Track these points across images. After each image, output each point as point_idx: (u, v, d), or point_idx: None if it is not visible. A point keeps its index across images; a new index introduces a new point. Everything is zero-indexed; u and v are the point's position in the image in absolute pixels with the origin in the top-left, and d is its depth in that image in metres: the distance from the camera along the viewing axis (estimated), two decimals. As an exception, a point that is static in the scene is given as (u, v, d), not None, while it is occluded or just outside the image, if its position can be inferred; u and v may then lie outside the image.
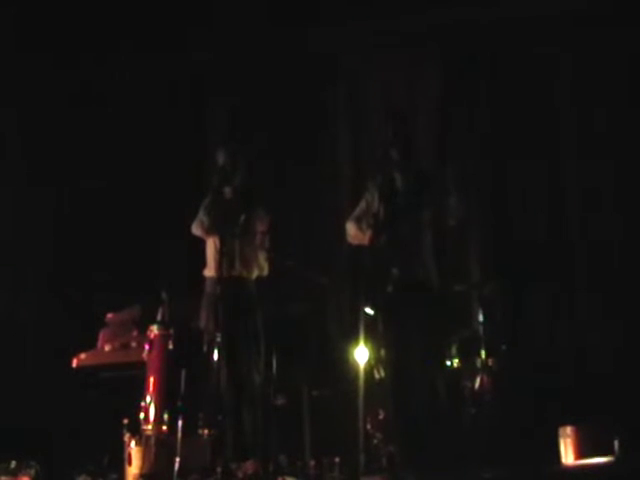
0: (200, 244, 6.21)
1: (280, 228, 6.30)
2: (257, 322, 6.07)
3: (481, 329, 6.21)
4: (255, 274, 6.16)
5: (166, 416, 5.55)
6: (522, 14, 7.47)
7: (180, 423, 5.43)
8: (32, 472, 6.01)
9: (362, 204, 6.02)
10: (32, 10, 7.54)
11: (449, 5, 7.53)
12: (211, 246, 6.09)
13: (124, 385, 6.28)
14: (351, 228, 5.99)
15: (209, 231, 6.01)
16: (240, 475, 5.54)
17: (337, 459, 5.83)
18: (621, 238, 7.19)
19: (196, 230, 6.13)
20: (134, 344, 6.50)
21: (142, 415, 5.64)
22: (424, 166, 6.16)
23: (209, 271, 6.13)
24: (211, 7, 7.69)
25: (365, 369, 5.41)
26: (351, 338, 5.64)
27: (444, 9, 7.54)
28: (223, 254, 5.81)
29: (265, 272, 6.19)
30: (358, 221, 5.94)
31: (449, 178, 6.02)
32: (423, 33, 7.68)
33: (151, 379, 5.69)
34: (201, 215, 6.06)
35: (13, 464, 6.07)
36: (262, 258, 6.17)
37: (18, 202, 7.77)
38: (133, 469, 5.66)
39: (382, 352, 5.70)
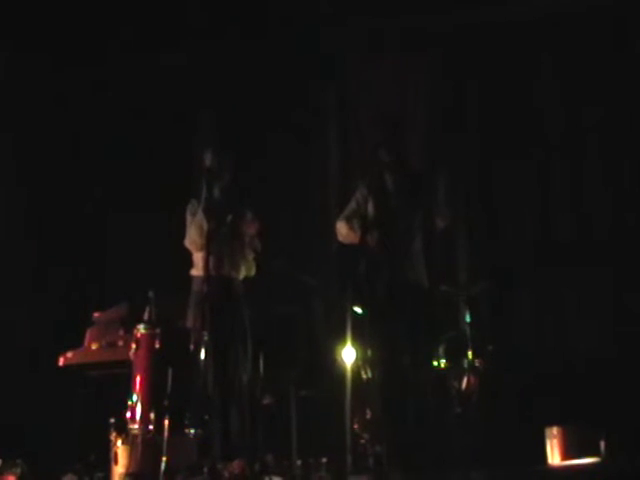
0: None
1: (269, 230, 6.28)
2: (244, 322, 6.07)
3: (468, 330, 6.22)
4: (242, 274, 6.16)
5: (153, 415, 5.53)
6: (516, 17, 7.50)
7: (167, 422, 5.42)
8: (18, 471, 5.99)
9: (352, 204, 6.05)
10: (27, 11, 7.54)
11: (443, 7, 7.54)
12: (198, 245, 6.09)
13: (111, 384, 6.28)
14: (342, 227, 6.01)
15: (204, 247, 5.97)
16: (227, 475, 5.53)
17: (324, 459, 5.83)
18: (609, 238, 7.22)
19: (190, 246, 6.12)
20: (121, 343, 6.47)
21: (128, 414, 5.62)
22: (414, 167, 6.17)
23: (196, 270, 6.13)
24: (202, 7, 7.68)
25: (352, 369, 5.41)
26: (339, 338, 5.64)
27: (439, 11, 7.56)
28: (210, 253, 5.79)
29: (252, 272, 6.19)
30: (349, 221, 5.95)
31: (439, 179, 6.04)
32: (415, 34, 7.69)
33: (138, 378, 5.67)
34: (193, 232, 6.04)
35: (-1, 463, 6.05)
36: (250, 258, 6.17)
37: (5, 203, 7.75)
38: (119, 468, 5.64)
39: (369, 352, 5.71)
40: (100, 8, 7.53)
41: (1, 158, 7.82)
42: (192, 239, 6.09)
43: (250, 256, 6.18)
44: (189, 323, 6.00)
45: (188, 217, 6.17)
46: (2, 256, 7.63)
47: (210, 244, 5.79)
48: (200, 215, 5.97)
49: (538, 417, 6.17)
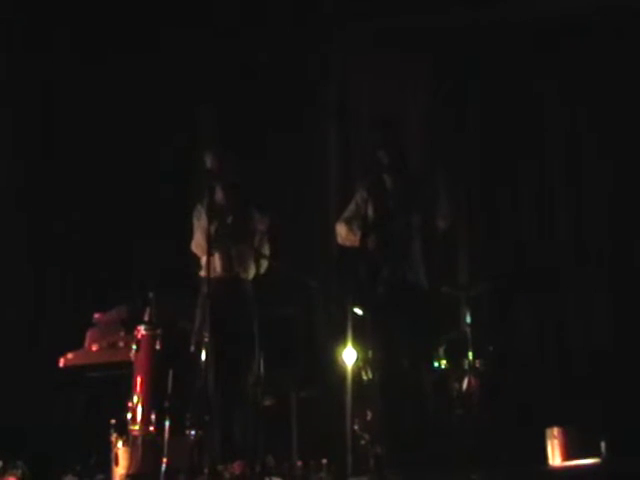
0: (189, 245, 6.22)
1: (279, 228, 6.28)
2: (253, 322, 6.05)
3: (468, 331, 6.21)
4: (252, 274, 6.15)
5: (153, 416, 5.54)
6: (512, 18, 7.50)
7: (167, 423, 5.43)
8: (18, 472, 5.99)
9: (352, 206, 6.06)
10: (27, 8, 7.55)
11: (443, 7, 7.54)
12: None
13: (111, 385, 6.28)
14: (342, 229, 6.02)
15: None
16: (227, 476, 5.55)
17: (324, 460, 5.84)
18: (610, 240, 7.22)
19: (197, 249, 6.13)
20: (121, 344, 6.48)
21: (129, 415, 5.63)
22: (414, 168, 6.17)
23: (205, 271, 6.11)
24: (201, 7, 7.67)
25: (353, 370, 5.41)
26: (339, 339, 5.64)
27: (438, 11, 7.56)
28: (212, 254, 5.79)
29: (262, 271, 6.15)
30: (349, 222, 5.97)
31: (439, 180, 6.04)
32: (414, 36, 7.68)
33: (138, 379, 5.68)
34: (198, 236, 6.04)
35: (-1, 464, 6.06)
36: (259, 257, 6.15)
37: (5, 203, 7.75)
38: (120, 469, 5.66)
39: (370, 353, 5.70)
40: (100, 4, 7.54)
41: (1, 159, 7.83)
42: (198, 243, 6.09)
43: (259, 255, 6.16)
44: (197, 324, 5.98)
45: (195, 222, 6.17)
46: (2, 256, 7.63)
47: (212, 245, 5.79)
48: (204, 218, 5.97)
49: (539, 418, 6.17)
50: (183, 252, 6.25)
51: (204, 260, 6.07)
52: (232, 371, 5.86)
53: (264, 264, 6.11)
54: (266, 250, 6.15)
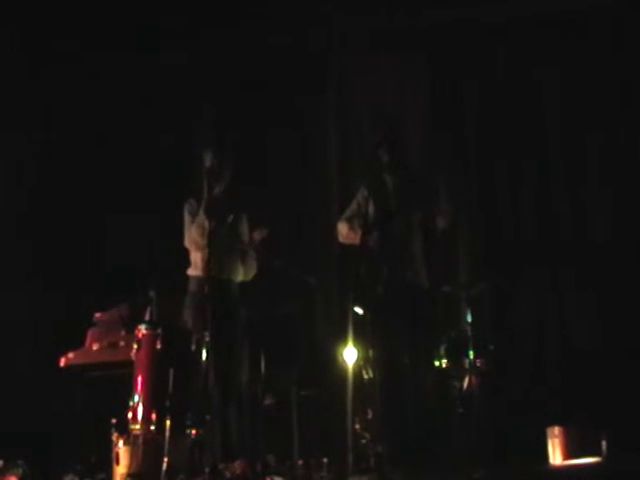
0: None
1: (273, 237, 6.28)
2: (243, 322, 6.06)
3: (469, 330, 6.22)
4: (240, 277, 6.15)
5: (154, 416, 5.53)
6: (511, 17, 7.52)
7: (168, 423, 5.42)
8: (19, 472, 5.99)
9: (353, 205, 6.09)
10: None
11: (439, 7, 7.55)
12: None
13: (112, 384, 6.27)
14: (343, 228, 6.06)
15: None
16: (228, 475, 5.53)
17: (325, 459, 5.84)
18: (610, 238, 7.22)
19: (191, 245, 6.12)
20: (122, 343, 6.47)
21: (130, 414, 5.62)
22: (414, 167, 6.18)
23: (194, 270, 6.11)
24: (201, 7, 7.68)
25: (354, 369, 5.41)
26: (340, 338, 5.65)
27: (434, 10, 7.57)
28: (211, 254, 5.79)
29: (251, 275, 6.18)
30: (350, 221, 5.99)
31: (439, 180, 6.05)
32: (413, 35, 7.69)
33: (139, 378, 5.66)
34: (194, 232, 6.04)
35: (0, 464, 6.04)
36: (251, 259, 6.17)
37: (4, 203, 7.75)
38: (121, 469, 5.63)
39: (371, 352, 5.71)
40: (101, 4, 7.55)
41: (0, 157, 7.83)
42: (193, 238, 6.07)
43: (252, 257, 6.17)
44: (187, 323, 5.98)
45: (186, 217, 6.16)
46: (2, 256, 7.63)
47: (211, 244, 5.78)
48: (201, 215, 5.97)
49: (540, 417, 6.18)
50: (183, 251, 6.24)
51: (194, 257, 6.08)
52: (226, 370, 5.86)
53: (253, 270, 6.14)
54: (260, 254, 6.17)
